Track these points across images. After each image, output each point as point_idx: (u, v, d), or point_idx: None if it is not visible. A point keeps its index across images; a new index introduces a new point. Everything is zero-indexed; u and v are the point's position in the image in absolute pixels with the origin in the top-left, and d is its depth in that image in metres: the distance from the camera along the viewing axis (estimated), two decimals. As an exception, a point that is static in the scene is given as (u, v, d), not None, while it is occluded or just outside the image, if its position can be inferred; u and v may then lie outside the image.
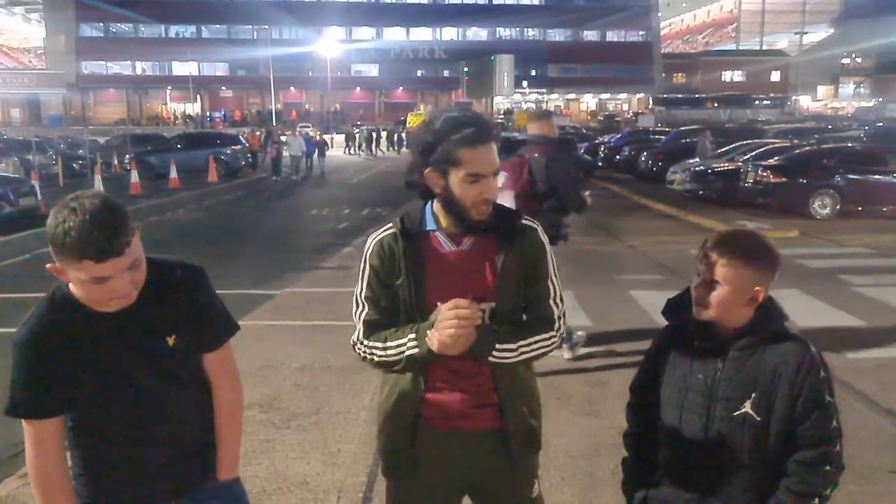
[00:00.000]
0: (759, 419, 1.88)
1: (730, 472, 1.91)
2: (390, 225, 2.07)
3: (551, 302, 2.08)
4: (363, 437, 4.54)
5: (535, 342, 2.02)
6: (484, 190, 1.97)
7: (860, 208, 14.41)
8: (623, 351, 6.22)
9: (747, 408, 1.88)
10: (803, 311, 6.98)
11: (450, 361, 1.98)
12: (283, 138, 28.83)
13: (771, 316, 1.94)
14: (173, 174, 22.67)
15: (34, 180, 17.42)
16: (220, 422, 2.06)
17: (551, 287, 2.08)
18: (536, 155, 5.66)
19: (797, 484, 1.86)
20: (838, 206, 14.39)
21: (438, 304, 1.93)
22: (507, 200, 5.44)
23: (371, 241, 2.09)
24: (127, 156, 26.89)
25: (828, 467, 1.86)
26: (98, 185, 18.37)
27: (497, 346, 1.96)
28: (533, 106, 79.44)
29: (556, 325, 2.08)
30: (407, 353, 1.97)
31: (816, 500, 1.86)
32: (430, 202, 2.07)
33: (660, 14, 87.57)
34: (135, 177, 21.12)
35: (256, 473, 4.08)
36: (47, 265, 1.74)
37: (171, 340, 1.88)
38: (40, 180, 18.57)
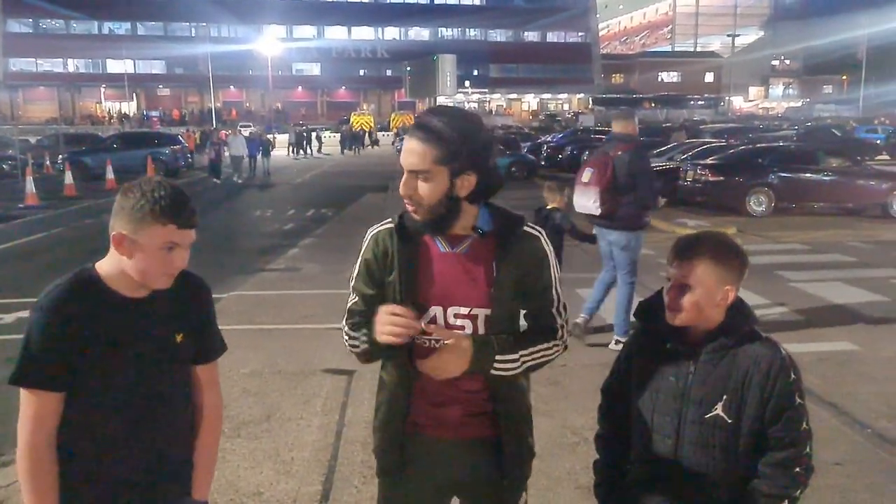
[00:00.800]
0: (730, 421, 1.89)
1: (701, 475, 1.92)
2: (391, 219, 2.03)
3: (553, 311, 2.04)
4: (317, 444, 4.47)
5: (537, 351, 1.99)
6: (400, 184, 1.92)
7: (794, 205, 14.92)
8: (571, 349, 6.24)
9: (719, 410, 1.89)
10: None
11: None
12: (227, 138, 27.98)
13: (742, 318, 1.94)
14: (110, 175, 21.95)
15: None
16: (203, 436, 2.06)
17: (554, 296, 2.04)
18: (620, 153, 6.06)
19: (767, 486, 1.88)
20: (773, 204, 14.86)
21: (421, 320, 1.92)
22: (592, 195, 6.10)
23: (368, 234, 2.07)
24: (60, 156, 25.95)
25: (797, 469, 1.88)
26: (30, 186, 17.67)
27: (497, 357, 1.92)
28: (475, 106, 79.86)
29: (559, 333, 2.05)
30: (361, 346, 1.99)
31: (786, 503, 1.89)
32: None
33: (598, 16, 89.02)
34: (69, 178, 20.40)
35: (207, 484, 3.96)
36: (112, 234, 1.83)
37: (179, 338, 1.95)
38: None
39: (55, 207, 16.99)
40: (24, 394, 1.81)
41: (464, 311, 1.96)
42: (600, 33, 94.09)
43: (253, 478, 4.07)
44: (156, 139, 28.82)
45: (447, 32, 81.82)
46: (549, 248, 2.03)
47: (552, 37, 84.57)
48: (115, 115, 70.81)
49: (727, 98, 77.86)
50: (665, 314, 1.95)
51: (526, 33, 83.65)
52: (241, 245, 12.47)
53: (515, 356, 1.94)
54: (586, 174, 6.18)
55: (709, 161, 16.17)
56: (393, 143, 41.85)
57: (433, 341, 1.93)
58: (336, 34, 78.63)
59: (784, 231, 12.77)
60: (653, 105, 70.22)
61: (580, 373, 5.72)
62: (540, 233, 2.05)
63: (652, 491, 2.00)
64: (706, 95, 78.13)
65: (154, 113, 70.31)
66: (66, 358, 1.79)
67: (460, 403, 2.00)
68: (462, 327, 1.96)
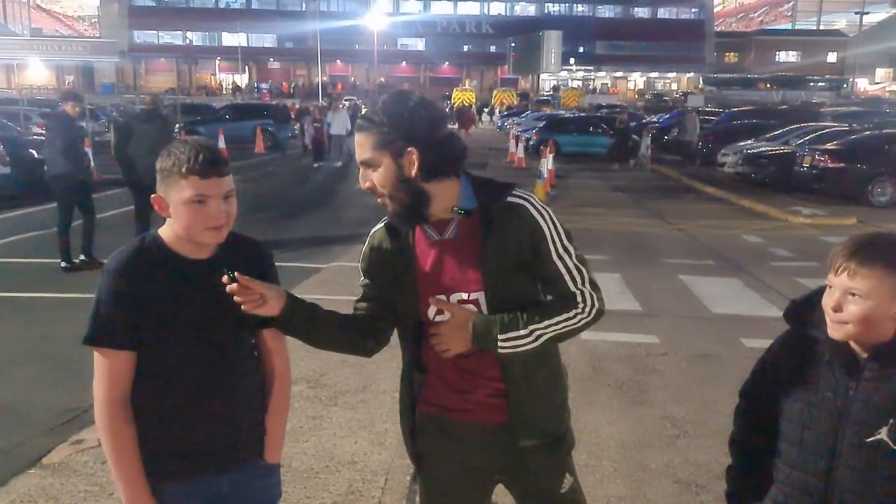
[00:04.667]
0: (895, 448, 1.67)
1: (856, 502, 1.73)
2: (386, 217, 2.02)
3: (567, 278, 1.92)
4: (410, 418, 4.50)
5: (555, 322, 1.90)
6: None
7: (923, 197, 13.91)
8: (673, 337, 6.08)
9: (883, 434, 1.67)
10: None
11: (456, 357, 1.93)
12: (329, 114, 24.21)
13: None
14: (221, 144, 22.66)
15: (87, 147, 17.60)
16: (274, 401, 2.08)
17: (560, 263, 1.90)
18: None
19: None
20: (899, 194, 13.91)
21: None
22: None
23: (369, 235, 2.07)
24: (177, 125, 27.14)
25: None
26: (148, 153, 18.48)
27: (501, 335, 1.85)
28: (580, 84, 78.29)
29: (579, 299, 1.93)
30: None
31: None
32: None
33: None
34: (184, 146, 21.23)
35: (304, 451, 4.06)
36: (151, 196, 1.89)
37: None
38: (93, 147, 18.82)
39: (171, 174, 17.69)
40: (96, 354, 1.87)
41: (464, 296, 1.92)
42: (715, 9, 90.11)
43: (348, 446, 4.14)
44: (265, 111, 29.66)
45: (554, 7, 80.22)
46: (541, 214, 1.89)
47: (663, 13, 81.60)
48: (228, 87, 73.44)
49: (851, 80, 73.25)
50: (823, 321, 1.73)
51: (636, 9, 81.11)
52: (342, 216, 12.64)
53: (525, 331, 1.86)
54: None
55: (828, 146, 15.24)
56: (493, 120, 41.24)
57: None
58: (442, 9, 78.55)
59: (909, 224, 11.93)
60: (768, 86, 66.84)
61: (681, 363, 5.54)
62: (527, 199, 1.91)
63: None
64: (827, 76, 73.70)
65: (264, 85, 72.41)
66: (132, 318, 1.83)
67: (481, 388, 1.97)
68: None
